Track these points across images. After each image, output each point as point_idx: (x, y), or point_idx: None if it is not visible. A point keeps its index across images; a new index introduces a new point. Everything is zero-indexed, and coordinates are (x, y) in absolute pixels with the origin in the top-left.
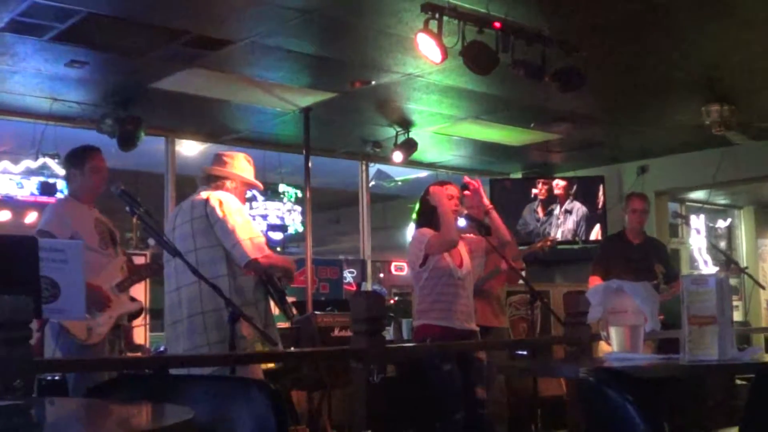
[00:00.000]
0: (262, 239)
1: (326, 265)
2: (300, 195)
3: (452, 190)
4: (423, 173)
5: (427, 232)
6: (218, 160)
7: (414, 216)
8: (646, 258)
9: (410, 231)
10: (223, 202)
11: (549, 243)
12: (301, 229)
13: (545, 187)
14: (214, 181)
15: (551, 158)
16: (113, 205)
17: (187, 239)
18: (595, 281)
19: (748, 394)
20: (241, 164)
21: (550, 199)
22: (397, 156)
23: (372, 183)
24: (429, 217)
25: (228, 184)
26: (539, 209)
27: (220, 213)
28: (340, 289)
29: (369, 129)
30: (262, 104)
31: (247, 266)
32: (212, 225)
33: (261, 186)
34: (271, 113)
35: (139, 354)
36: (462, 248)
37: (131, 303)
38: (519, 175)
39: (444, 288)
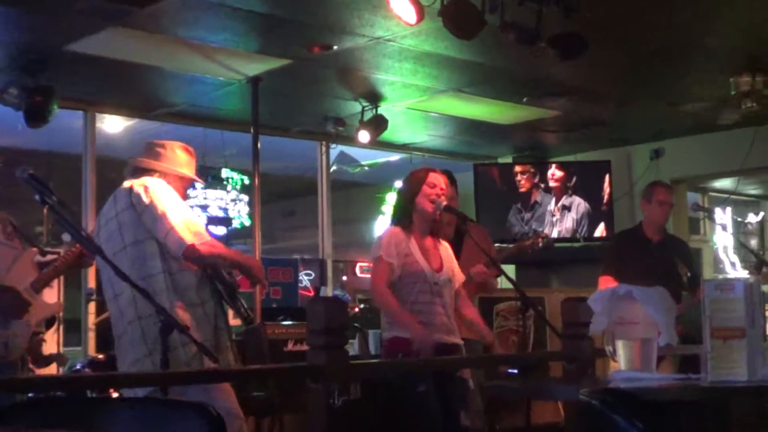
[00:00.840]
0: (201, 228)
1: (278, 266)
2: (247, 182)
3: (436, 178)
4: (394, 156)
5: (393, 237)
6: (149, 150)
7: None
8: (667, 258)
9: (379, 225)
10: (149, 187)
11: (540, 240)
12: (248, 222)
13: (533, 174)
14: (142, 174)
15: (546, 139)
16: (20, 194)
17: (115, 237)
18: (607, 283)
19: None
20: (177, 156)
21: (544, 189)
22: (364, 136)
23: (333, 168)
24: (404, 213)
25: (158, 179)
26: (524, 204)
27: (146, 199)
28: (294, 295)
29: (330, 103)
30: (201, 72)
31: (185, 256)
32: (140, 215)
33: (201, 181)
34: (213, 83)
35: (54, 365)
36: (443, 250)
37: (49, 305)
38: (509, 159)
39: (418, 296)
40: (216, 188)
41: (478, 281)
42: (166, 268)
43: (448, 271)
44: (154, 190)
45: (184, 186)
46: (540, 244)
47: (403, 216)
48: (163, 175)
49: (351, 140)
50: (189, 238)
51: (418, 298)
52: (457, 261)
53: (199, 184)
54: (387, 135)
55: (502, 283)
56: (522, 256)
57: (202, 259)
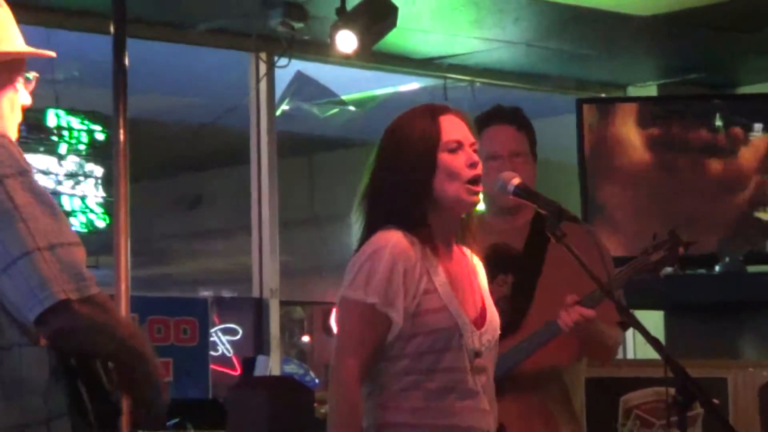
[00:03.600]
0: (82, 253)
1: (168, 314)
2: (101, 137)
3: (461, 128)
4: (408, 85)
5: (394, 253)
6: None
7: (360, 193)
8: None
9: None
10: None
11: (679, 249)
12: (103, 223)
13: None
14: None
15: (721, 49)
16: None
17: None
18: None
19: None
20: None
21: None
22: (346, 40)
23: (283, 107)
24: (405, 210)
25: None
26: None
27: None
28: (201, 374)
29: None
30: None
31: (41, 323)
32: None
33: (46, 54)
34: None
35: None
36: (477, 274)
37: None
38: (653, 91)
39: (445, 385)
40: (37, 150)
41: (575, 335)
42: None
43: (493, 321)
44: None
45: (11, 77)
46: (668, 261)
47: (404, 216)
48: None
49: (320, 50)
50: (59, 282)
51: (445, 395)
52: (526, 295)
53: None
54: (394, 39)
55: (634, 345)
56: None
57: (77, 339)
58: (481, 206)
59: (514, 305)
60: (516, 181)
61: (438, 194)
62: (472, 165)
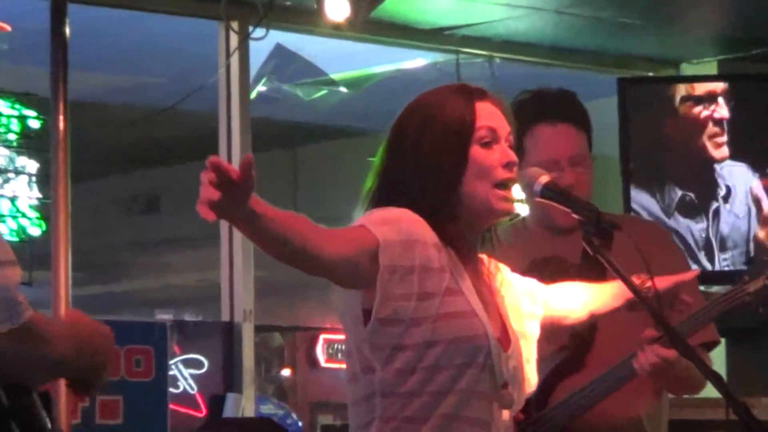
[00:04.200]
0: (15, 275)
1: (117, 341)
2: (36, 125)
3: (491, 110)
4: (413, 61)
5: (414, 224)
6: None
7: (368, 184)
8: None
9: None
10: None
11: None
12: (38, 230)
13: None
14: None
15: None
16: None
17: None
18: None
19: None
20: None
21: None
22: (336, 6)
23: (260, 87)
24: (405, 181)
25: None
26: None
27: None
28: (160, 413)
29: None
30: None
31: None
32: None
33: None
34: None
35: None
36: (503, 283)
37: None
38: (711, 68)
39: (455, 404)
40: None
41: (648, 370)
42: None
43: (517, 347)
44: None
45: None
46: None
47: (429, 206)
48: None
49: (305, 18)
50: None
51: (457, 405)
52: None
53: None
54: (396, 5)
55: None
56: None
57: (13, 374)
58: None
59: (575, 335)
60: (544, 179)
61: (465, 195)
62: (508, 165)
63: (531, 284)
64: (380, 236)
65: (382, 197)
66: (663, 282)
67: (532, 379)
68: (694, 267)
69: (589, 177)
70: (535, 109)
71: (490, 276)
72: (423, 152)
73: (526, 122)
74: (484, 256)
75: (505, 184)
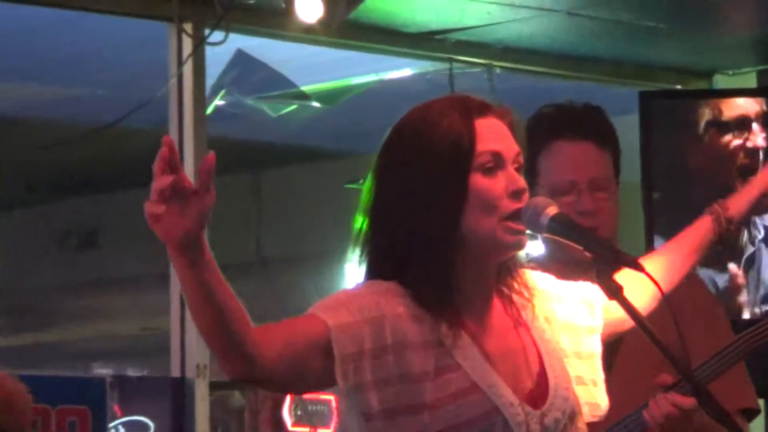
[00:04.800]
0: None
1: (47, 399)
2: None
3: (496, 126)
4: (398, 71)
5: (353, 294)
6: None
7: (358, 224)
8: None
9: (352, 276)
10: None
11: None
12: None
13: None
14: None
15: None
16: None
17: None
18: None
19: None
20: None
21: None
22: (307, 5)
23: (217, 103)
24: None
25: None
26: None
27: None
28: None
29: None
30: None
31: None
32: None
33: None
34: None
35: None
36: (568, 303)
37: None
38: (750, 80)
39: None
40: None
41: (660, 422)
42: None
43: (560, 392)
44: None
45: None
46: None
47: (418, 264)
48: None
49: (271, 19)
50: None
51: None
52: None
53: None
54: (379, 5)
55: None
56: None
57: None
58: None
59: None
60: (552, 210)
61: (467, 231)
62: (515, 194)
63: (587, 291)
64: (331, 322)
65: (375, 244)
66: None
67: (601, 403)
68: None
69: (612, 205)
70: (553, 124)
71: (517, 319)
72: (413, 185)
73: (542, 139)
74: (517, 297)
75: (512, 216)
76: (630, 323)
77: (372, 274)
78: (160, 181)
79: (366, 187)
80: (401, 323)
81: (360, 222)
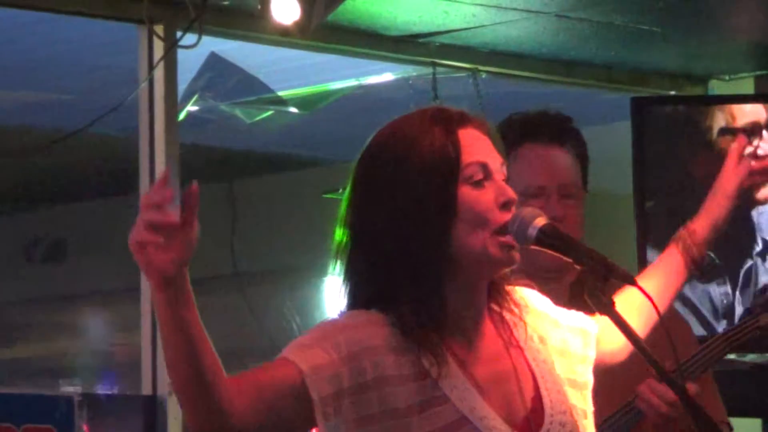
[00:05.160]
0: None
1: (12, 418)
2: None
3: (476, 137)
4: (379, 76)
5: (327, 331)
6: None
7: (338, 236)
8: None
9: (331, 294)
10: None
11: None
12: None
13: None
14: None
15: None
16: None
17: None
18: None
19: None
20: None
21: None
22: (283, 7)
23: (190, 108)
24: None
25: None
26: None
27: None
28: None
29: None
30: None
31: None
32: None
33: None
34: None
35: None
36: (564, 329)
37: None
38: (747, 86)
39: None
40: None
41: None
42: None
43: (556, 413)
44: None
45: None
46: None
47: (402, 289)
48: None
49: (246, 22)
50: None
51: None
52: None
53: None
54: (359, 6)
55: None
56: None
57: None
58: None
59: None
60: (541, 221)
61: (457, 248)
62: (506, 205)
63: (581, 320)
64: (305, 366)
65: (357, 266)
66: None
67: None
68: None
69: (579, 213)
70: (523, 129)
71: (510, 339)
72: (398, 203)
73: (511, 144)
74: (510, 316)
75: (504, 229)
76: (619, 357)
77: (354, 299)
78: (155, 216)
79: (345, 198)
80: (382, 357)
81: (339, 235)
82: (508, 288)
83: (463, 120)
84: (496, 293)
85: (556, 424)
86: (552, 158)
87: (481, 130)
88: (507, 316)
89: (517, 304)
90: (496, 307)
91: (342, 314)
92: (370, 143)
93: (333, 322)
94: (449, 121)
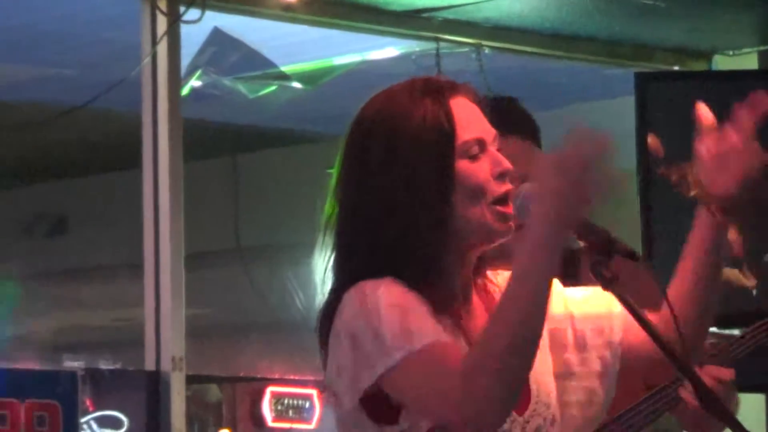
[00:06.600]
0: None
1: (15, 393)
2: None
3: (468, 106)
4: (381, 51)
5: (393, 294)
6: None
7: (328, 210)
8: None
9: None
10: None
11: None
12: None
13: None
14: None
15: None
16: None
17: None
18: None
19: None
20: None
21: None
22: None
23: (193, 84)
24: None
25: None
26: None
27: None
28: None
29: None
30: None
31: None
32: None
33: None
34: None
35: None
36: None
37: None
38: (751, 61)
39: None
40: None
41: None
42: None
43: (543, 395)
44: None
45: None
46: None
47: (406, 263)
48: None
49: None
50: None
51: None
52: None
53: None
54: None
55: None
56: None
57: None
58: None
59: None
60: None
61: (457, 221)
62: (501, 176)
63: (600, 299)
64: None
65: (354, 243)
66: None
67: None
68: None
69: None
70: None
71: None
72: (394, 179)
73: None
74: (495, 289)
75: (500, 200)
76: (644, 352)
77: (347, 273)
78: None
79: (335, 172)
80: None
81: (329, 209)
82: (490, 261)
83: (452, 89)
84: (482, 265)
85: (541, 405)
86: (515, 149)
87: (469, 98)
88: (491, 287)
89: (496, 277)
90: (480, 281)
91: (386, 283)
92: (359, 116)
93: (394, 292)
94: (439, 92)
